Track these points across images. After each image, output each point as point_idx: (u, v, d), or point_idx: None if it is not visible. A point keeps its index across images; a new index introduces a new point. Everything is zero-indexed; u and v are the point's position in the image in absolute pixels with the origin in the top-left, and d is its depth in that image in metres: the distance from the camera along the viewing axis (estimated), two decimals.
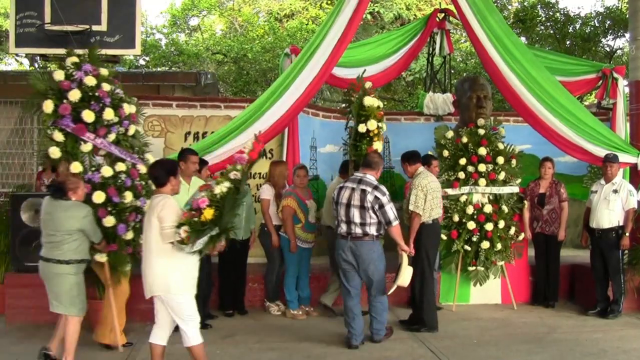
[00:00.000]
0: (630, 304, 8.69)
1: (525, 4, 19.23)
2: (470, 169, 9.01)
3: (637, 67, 9.17)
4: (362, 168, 7.24)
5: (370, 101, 8.00)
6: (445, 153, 9.20)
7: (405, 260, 7.01)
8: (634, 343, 7.28)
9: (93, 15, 7.69)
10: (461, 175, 9.01)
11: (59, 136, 6.49)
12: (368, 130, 7.95)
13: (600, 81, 10.38)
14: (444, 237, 8.72)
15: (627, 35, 13.51)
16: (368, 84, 8.27)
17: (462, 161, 9.04)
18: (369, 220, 6.88)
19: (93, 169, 6.62)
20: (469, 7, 8.75)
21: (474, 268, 8.98)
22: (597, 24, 18.03)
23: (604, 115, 10.82)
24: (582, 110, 9.02)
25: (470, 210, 8.91)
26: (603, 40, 18.47)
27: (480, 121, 9.24)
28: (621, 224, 8.42)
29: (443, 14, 11.35)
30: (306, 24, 21.68)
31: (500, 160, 9.02)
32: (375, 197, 6.85)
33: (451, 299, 8.99)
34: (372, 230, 6.93)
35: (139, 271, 7.67)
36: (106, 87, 6.71)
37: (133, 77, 12.68)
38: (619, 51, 19.29)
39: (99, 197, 6.44)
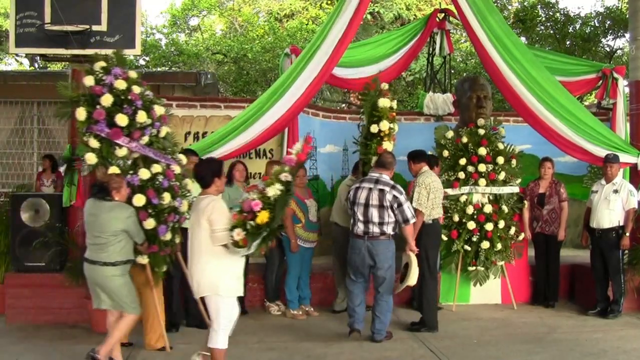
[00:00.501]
0: (630, 304, 8.69)
1: (525, 4, 19.24)
2: (470, 169, 9.01)
3: (637, 67, 9.16)
4: (377, 168, 7.37)
5: (384, 102, 8.13)
6: (445, 153, 9.20)
7: (414, 260, 7.12)
8: (634, 343, 7.28)
9: (93, 15, 7.68)
10: (461, 175, 9.01)
11: (94, 142, 6.43)
12: (379, 131, 8.08)
13: (600, 81, 10.37)
14: (444, 237, 8.73)
15: (627, 35, 13.51)
16: (384, 85, 8.40)
17: (462, 161, 9.04)
18: (387, 219, 7.06)
19: (131, 172, 6.58)
20: (469, 7, 8.74)
21: (474, 268, 8.98)
22: (597, 24, 18.03)
23: (604, 115, 10.81)
24: (582, 110, 9.02)
25: (470, 210, 8.91)
26: (603, 40, 18.47)
27: (480, 121, 9.24)
28: (621, 224, 8.42)
29: (443, 14, 11.34)
30: (306, 24, 21.67)
31: (500, 160, 9.02)
32: (394, 196, 7.04)
33: (451, 299, 8.99)
34: (389, 229, 7.12)
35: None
36: (136, 89, 6.67)
37: None
38: (619, 51, 19.30)
39: (139, 200, 6.40)
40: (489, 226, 8.85)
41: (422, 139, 9.89)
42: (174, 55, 20.50)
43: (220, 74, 19.83)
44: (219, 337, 5.60)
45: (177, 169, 6.91)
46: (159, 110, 6.90)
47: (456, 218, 8.93)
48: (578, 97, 10.24)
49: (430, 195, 7.62)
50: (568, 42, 18.07)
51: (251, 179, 10.01)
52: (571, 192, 9.83)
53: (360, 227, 7.15)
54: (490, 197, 9.06)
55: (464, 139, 9.14)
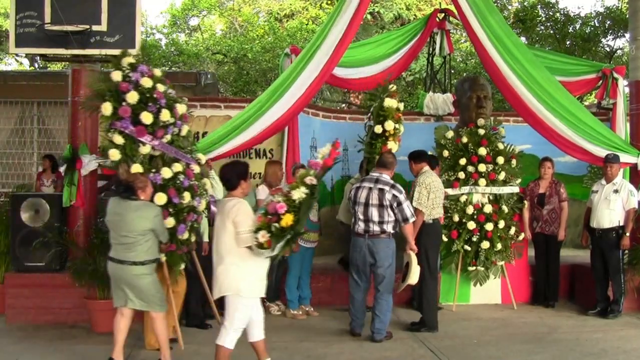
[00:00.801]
0: (630, 303, 8.69)
1: (525, 4, 19.23)
2: (470, 169, 9.01)
3: (637, 67, 9.17)
4: (378, 168, 7.46)
5: (390, 102, 8.24)
6: (445, 153, 9.20)
7: (414, 259, 7.17)
8: (634, 343, 7.28)
9: (93, 15, 7.68)
10: (461, 175, 9.01)
11: (118, 139, 6.44)
12: (384, 131, 8.19)
13: (600, 81, 10.36)
14: (444, 237, 8.74)
15: (627, 35, 13.51)
16: (393, 87, 8.49)
17: (462, 161, 9.04)
18: (387, 218, 7.14)
19: (153, 170, 6.61)
20: (469, 7, 8.73)
21: (474, 268, 8.98)
22: (597, 24, 18.02)
23: (604, 115, 10.81)
24: (582, 111, 9.02)
25: (470, 210, 8.91)
26: (603, 40, 18.46)
27: (480, 121, 9.24)
28: (622, 223, 8.42)
29: (443, 14, 11.34)
30: (306, 24, 21.66)
31: (500, 160, 9.03)
32: (394, 195, 7.11)
33: (451, 299, 8.99)
34: (389, 228, 7.19)
35: None
36: (161, 87, 6.72)
37: None
38: (619, 51, 19.29)
39: (160, 198, 6.44)
40: (489, 226, 8.85)
41: (422, 139, 9.89)
42: (174, 55, 20.49)
43: (220, 74, 19.82)
44: (229, 336, 5.58)
45: (196, 169, 6.98)
46: (180, 109, 6.95)
47: (456, 218, 8.93)
48: (578, 97, 10.24)
49: (430, 195, 7.65)
50: (568, 42, 18.06)
51: (251, 179, 10.02)
52: (571, 192, 9.84)
53: (360, 226, 7.22)
54: (490, 197, 9.07)
55: (464, 139, 9.14)
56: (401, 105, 8.49)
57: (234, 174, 5.67)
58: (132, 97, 6.39)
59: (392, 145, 8.25)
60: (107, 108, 6.35)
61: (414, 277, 7.13)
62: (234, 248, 5.47)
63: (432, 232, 7.81)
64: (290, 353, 6.57)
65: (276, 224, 5.46)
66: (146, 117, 6.43)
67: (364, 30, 18.78)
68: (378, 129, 8.24)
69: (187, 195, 6.73)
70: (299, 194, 5.63)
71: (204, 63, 20.27)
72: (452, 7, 10.46)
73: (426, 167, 7.90)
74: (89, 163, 7.87)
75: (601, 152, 8.71)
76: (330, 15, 8.60)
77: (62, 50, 7.77)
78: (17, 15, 7.72)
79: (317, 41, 8.36)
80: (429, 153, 8.71)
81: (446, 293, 9.10)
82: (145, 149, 6.53)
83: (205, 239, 7.73)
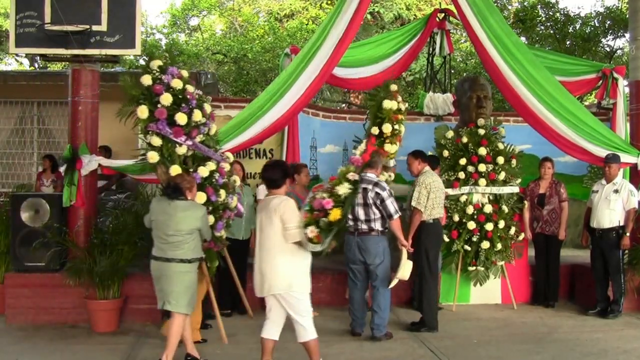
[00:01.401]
0: (631, 304, 8.70)
1: (525, 4, 19.23)
2: (471, 169, 9.01)
3: (637, 67, 9.17)
4: (364, 168, 7.46)
5: (388, 104, 8.27)
6: (446, 153, 9.20)
7: (404, 254, 7.16)
8: (634, 343, 7.29)
9: (93, 15, 7.67)
10: (461, 175, 9.02)
11: (156, 140, 6.67)
12: (382, 133, 8.26)
13: (600, 81, 10.35)
14: (445, 237, 8.75)
15: (627, 35, 13.51)
16: (393, 87, 8.50)
17: (462, 161, 9.04)
18: (373, 216, 7.17)
19: (191, 170, 6.77)
20: (469, 7, 8.73)
21: (474, 268, 8.98)
22: (597, 24, 18.02)
23: (604, 115, 10.81)
24: (582, 111, 9.02)
25: (470, 210, 8.92)
26: (603, 40, 18.46)
27: (481, 121, 9.24)
28: (622, 223, 8.43)
29: (443, 14, 11.34)
30: (306, 24, 21.67)
31: (500, 160, 9.03)
32: (376, 193, 7.11)
33: (451, 299, 8.99)
34: (378, 225, 7.23)
35: (134, 271, 7.74)
36: (190, 88, 6.90)
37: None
38: (619, 51, 19.29)
39: (200, 197, 6.61)
40: (489, 226, 8.85)
41: (422, 139, 9.89)
42: (174, 55, 20.46)
43: (220, 74, 19.81)
44: (309, 329, 5.76)
45: (226, 166, 7.14)
46: (208, 108, 7.13)
47: (456, 218, 8.93)
48: (578, 97, 10.24)
49: (430, 195, 7.66)
50: (568, 42, 18.06)
51: (250, 179, 10.03)
52: (571, 192, 9.83)
53: (350, 225, 7.25)
54: (490, 197, 9.07)
55: (464, 139, 9.14)
56: (403, 106, 8.51)
57: (280, 174, 5.81)
58: (166, 99, 6.63)
59: (389, 148, 8.32)
60: (143, 111, 6.62)
61: (404, 272, 7.12)
62: (283, 244, 5.61)
63: (433, 232, 7.82)
64: (291, 353, 6.57)
65: (324, 219, 5.74)
66: (181, 118, 6.66)
67: (364, 30, 18.76)
68: (375, 130, 8.30)
69: (222, 193, 6.96)
70: (344, 189, 6.03)
71: (204, 63, 20.27)
72: (452, 7, 10.46)
73: (427, 168, 7.91)
74: (89, 163, 7.87)
75: (601, 152, 8.71)
76: (330, 15, 8.59)
77: (62, 50, 7.76)
78: (17, 15, 7.71)
79: (317, 41, 8.36)
80: (429, 153, 8.74)
81: (446, 293, 9.10)
82: (181, 150, 6.78)
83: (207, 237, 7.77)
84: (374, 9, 21.22)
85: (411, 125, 10.40)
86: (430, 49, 11.79)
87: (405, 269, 7.11)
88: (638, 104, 9.17)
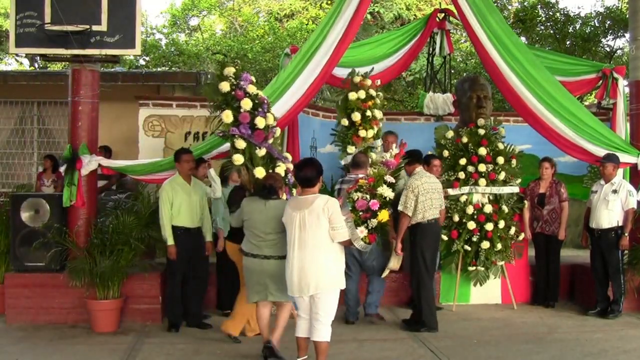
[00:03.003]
0: (631, 304, 8.70)
1: (525, 4, 19.23)
2: (471, 169, 9.02)
3: (637, 67, 9.16)
4: (352, 169, 7.75)
5: (352, 95, 8.62)
6: (446, 153, 9.21)
7: (394, 246, 7.44)
8: (634, 343, 7.28)
9: (93, 15, 7.67)
10: (461, 175, 9.02)
11: (241, 143, 6.99)
12: (353, 122, 8.61)
13: (600, 81, 10.34)
14: (444, 237, 8.76)
15: (627, 35, 13.52)
16: (357, 79, 8.78)
17: (462, 161, 9.05)
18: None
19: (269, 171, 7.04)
20: (469, 7, 8.74)
21: (474, 268, 8.98)
22: (597, 24, 18.02)
23: (604, 115, 10.80)
24: (582, 110, 9.02)
25: (470, 210, 8.91)
26: (603, 40, 18.45)
27: (481, 121, 9.24)
28: (621, 224, 8.41)
29: (443, 14, 11.34)
30: (306, 24, 21.68)
31: (500, 160, 9.03)
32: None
33: (451, 299, 8.99)
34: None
35: (134, 271, 7.75)
36: (260, 92, 7.30)
37: (133, 77, 12.69)
38: (619, 51, 19.28)
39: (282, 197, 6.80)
40: (489, 226, 8.85)
41: (422, 139, 9.91)
42: (174, 55, 20.49)
43: None
44: (329, 330, 5.85)
45: (290, 167, 7.32)
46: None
47: (456, 218, 8.93)
48: (578, 97, 10.23)
49: (419, 197, 7.56)
50: (568, 42, 18.05)
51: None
52: (571, 192, 9.83)
53: None
54: (490, 197, 9.07)
55: (464, 139, 9.15)
56: (373, 92, 8.80)
57: (315, 172, 5.88)
58: (247, 103, 7.03)
59: (363, 133, 8.55)
60: (228, 116, 7.00)
61: (395, 263, 7.31)
62: (329, 243, 5.71)
63: (428, 233, 7.75)
64: (291, 352, 6.56)
65: (374, 220, 6.17)
66: (260, 122, 7.03)
67: (363, 30, 18.77)
68: (344, 121, 8.65)
69: (294, 192, 7.13)
70: (388, 191, 6.48)
71: (204, 63, 20.26)
72: (452, 7, 10.45)
73: (418, 169, 7.83)
74: (88, 163, 7.88)
75: (601, 152, 8.71)
76: (329, 15, 8.57)
77: (62, 50, 7.77)
78: (17, 15, 7.71)
79: (317, 41, 8.36)
80: (429, 153, 8.75)
81: (446, 293, 9.10)
82: (261, 152, 7.10)
83: (209, 238, 7.79)
84: (374, 9, 21.24)
85: (411, 125, 10.44)
86: (430, 49, 11.79)
87: (396, 259, 7.33)
88: (638, 104, 9.17)
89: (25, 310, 7.77)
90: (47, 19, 7.60)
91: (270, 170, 7.02)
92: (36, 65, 21.79)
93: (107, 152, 10.00)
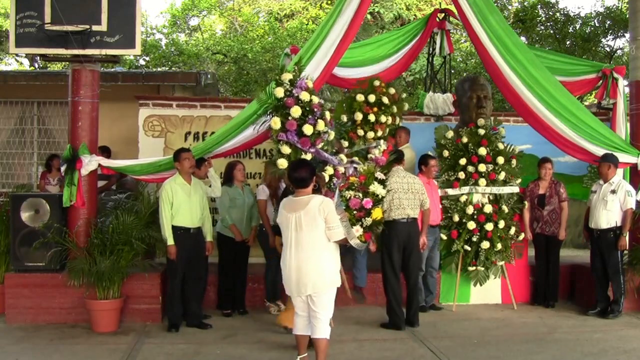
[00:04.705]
0: (630, 304, 8.70)
1: (525, 4, 19.25)
2: (471, 169, 9.02)
3: (637, 67, 9.16)
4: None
5: (360, 97, 9.15)
6: (446, 153, 9.21)
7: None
8: (634, 343, 7.28)
9: (93, 15, 7.67)
10: (461, 175, 9.02)
11: (286, 149, 7.34)
12: (354, 120, 9.10)
13: (601, 81, 10.32)
14: (444, 236, 8.82)
15: (627, 35, 13.51)
16: (376, 82, 9.31)
17: (462, 161, 9.05)
18: None
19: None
20: (470, 7, 8.73)
21: (474, 268, 8.98)
22: (597, 24, 18.04)
23: (604, 115, 10.80)
24: (582, 111, 9.01)
25: (470, 210, 8.92)
26: (603, 40, 18.47)
27: (481, 121, 9.24)
28: (619, 224, 8.42)
29: (443, 14, 11.32)
30: (306, 24, 21.68)
31: (500, 160, 9.03)
32: None
33: (451, 299, 8.99)
34: None
35: (134, 271, 7.74)
36: (315, 99, 7.54)
37: (133, 77, 12.68)
38: (619, 51, 19.30)
39: None
40: (489, 226, 8.85)
41: (423, 139, 9.91)
42: (174, 55, 20.49)
43: (220, 74, 19.83)
44: (328, 328, 5.91)
45: (340, 169, 7.49)
46: (329, 116, 7.72)
47: (456, 218, 8.93)
48: (578, 97, 10.21)
49: (387, 196, 7.61)
50: (568, 42, 18.07)
51: (250, 179, 10.03)
52: (571, 192, 9.83)
53: None
54: (490, 197, 9.07)
55: (464, 139, 9.14)
56: (386, 100, 9.21)
57: (308, 173, 5.89)
58: (296, 111, 7.32)
59: (361, 132, 8.85)
60: (276, 122, 7.33)
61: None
62: (325, 243, 5.76)
63: (392, 231, 7.71)
64: (292, 354, 6.57)
65: (368, 219, 6.23)
66: (307, 129, 7.31)
67: (364, 31, 18.77)
68: (343, 117, 9.15)
69: (336, 195, 7.25)
70: (380, 189, 6.54)
71: (204, 63, 20.27)
72: (452, 7, 10.45)
73: (394, 167, 7.90)
74: (89, 163, 7.88)
75: (601, 152, 8.71)
76: (330, 15, 8.55)
77: (62, 50, 7.76)
78: (17, 15, 7.71)
79: (317, 41, 8.34)
80: (429, 153, 8.77)
81: (446, 293, 9.11)
82: (307, 157, 7.34)
83: (209, 238, 7.79)
84: (374, 9, 21.21)
85: (411, 125, 10.42)
86: (431, 49, 11.77)
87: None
88: (638, 104, 9.17)
89: (25, 310, 7.77)
90: (47, 19, 7.60)
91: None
92: (36, 65, 21.79)
93: (104, 152, 9.97)
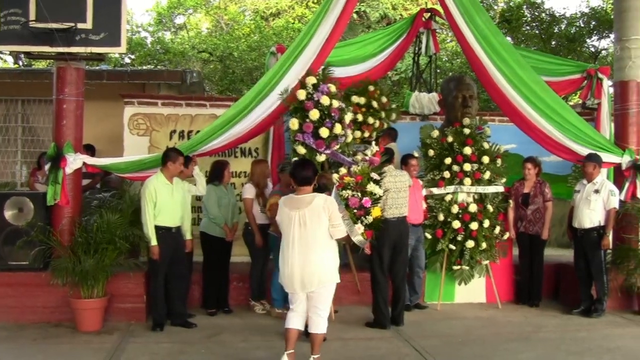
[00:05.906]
0: (614, 302, 8.74)
1: (511, 4, 19.32)
2: (456, 168, 9.03)
3: (622, 68, 9.22)
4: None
5: (355, 99, 9.37)
6: (431, 152, 9.22)
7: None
8: (618, 341, 7.33)
9: (78, 13, 7.62)
10: (446, 174, 9.04)
11: (301, 149, 7.87)
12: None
13: (585, 81, 10.39)
14: (428, 236, 8.83)
15: (612, 35, 13.58)
16: (371, 87, 9.76)
17: (448, 160, 9.06)
18: None
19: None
20: (456, 7, 8.75)
21: (458, 267, 9.01)
22: (582, 25, 18.14)
23: (588, 115, 10.84)
24: (567, 110, 9.06)
25: (455, 209, 8.94)
26: (588, 40, 18.59)
27: (466, 120, 9.26)
28: (603, 223, 8.46)
29: (429, 14, 11.33)
30: (292, 23, 21.66)
31: (486, 159, 9.05)
32: None
33: (436, 297, 9.01)
34: None
35: (118, 270, 7.70)
36: (335, 104, 7.99)
37: (118, 75, 12.62)
38: (603, 52, 19.41)
39: None
40: (474, 225, 8.88)
41: (408, 138, 9.92)
42: (160, 54, 20.41)
43: (206, 73, 19.77)
44: (326, 323, 6.02)
45: (355, 169, 7.49)
46: (347, 118, 8.19)
47: (441, 217, 8.95)
48: (563, 97, 10.26)
49: (383, 196, 7.64)
50: (553, 42, 18.17)
51: (236, 178, 10.00)
52: (556, 192, 9.86)
53: None
54: (475, 197, 9.09)
55: (450, 139, 9.16)
56: (375, 104, 9.57)
57: (311, 172, 6.02)
58: (314, 115, 7.80)
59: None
60: (294, 123, 7.90)
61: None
62: (327, 240, 5.90)
63: (384, 230, 7.62)
64: (277, 352, 6.55)
65: (368, 217, 6.45)
66: (323, 132, 7.80)
67: (350, 30, 18.77)
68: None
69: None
70: (377, 189, 6.82)
71: (189, 61, 20.21)
72: (438, 7, 10.46)
73: (386, 167, 7.90)
74: (73, 161, 7.83)
75: (586, 152, 8.76)
76: (317, 14, 8.57)
77: (47, 48, 7.71)
78: (1, 12, 7.63)
79: (304, 40, 8.35)
80: (414, 153, 8.77)
81: (431, 292, 9.12)
82: (321, 158, 7.91)
83: (188, 236, 7.82)
84: (360, 8, 21.19)
85: (397, 124, 10.44)
86: (416, 48, 11.80)
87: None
88: (622, 104, 9.23)
89: (9, 310, 7.69)
90: (32, 16, 7.54)
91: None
92: (20, 63, 21.61)
93: (88, 150, 9.91)
